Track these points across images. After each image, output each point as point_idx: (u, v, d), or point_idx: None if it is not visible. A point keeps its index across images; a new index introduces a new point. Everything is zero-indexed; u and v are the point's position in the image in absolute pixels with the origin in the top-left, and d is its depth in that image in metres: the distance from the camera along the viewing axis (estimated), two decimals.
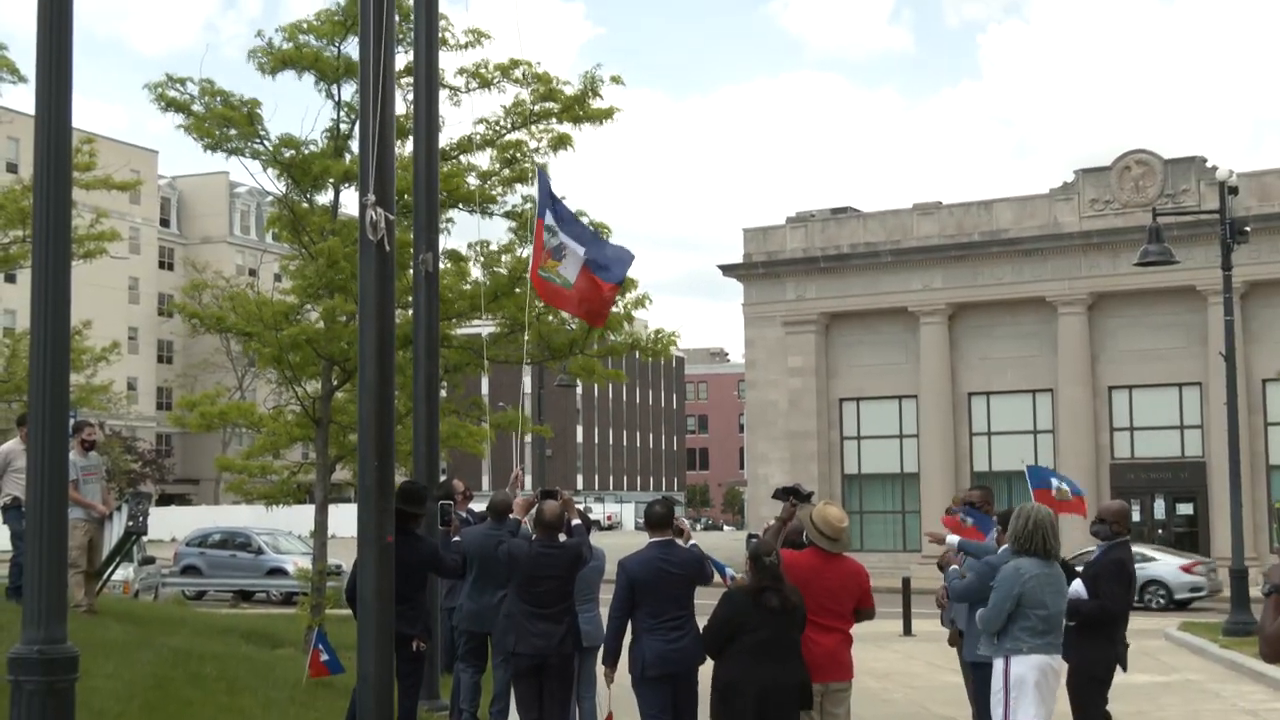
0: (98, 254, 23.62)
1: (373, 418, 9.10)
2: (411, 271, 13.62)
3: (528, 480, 58.25)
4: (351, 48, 16.77)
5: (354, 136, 16.52)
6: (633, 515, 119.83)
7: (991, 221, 50.30)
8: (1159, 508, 47.95)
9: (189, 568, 37.24)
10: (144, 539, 22.84)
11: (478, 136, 17.82)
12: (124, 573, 26.44)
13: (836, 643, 9.24)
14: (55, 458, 7.16)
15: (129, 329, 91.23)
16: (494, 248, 18.51)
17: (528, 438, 29.07)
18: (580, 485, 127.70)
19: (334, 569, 25.88)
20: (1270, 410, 46.19)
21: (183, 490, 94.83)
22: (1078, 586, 10.26)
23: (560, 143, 17.72)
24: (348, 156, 16.98)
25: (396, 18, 11.35)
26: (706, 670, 9.37)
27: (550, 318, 17.81)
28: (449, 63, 20.68)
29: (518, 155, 17.82)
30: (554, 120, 17.79)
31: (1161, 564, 36.10)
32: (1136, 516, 45.47)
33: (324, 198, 17.97)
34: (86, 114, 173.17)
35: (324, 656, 12.18)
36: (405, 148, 15.55)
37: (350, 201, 17.38)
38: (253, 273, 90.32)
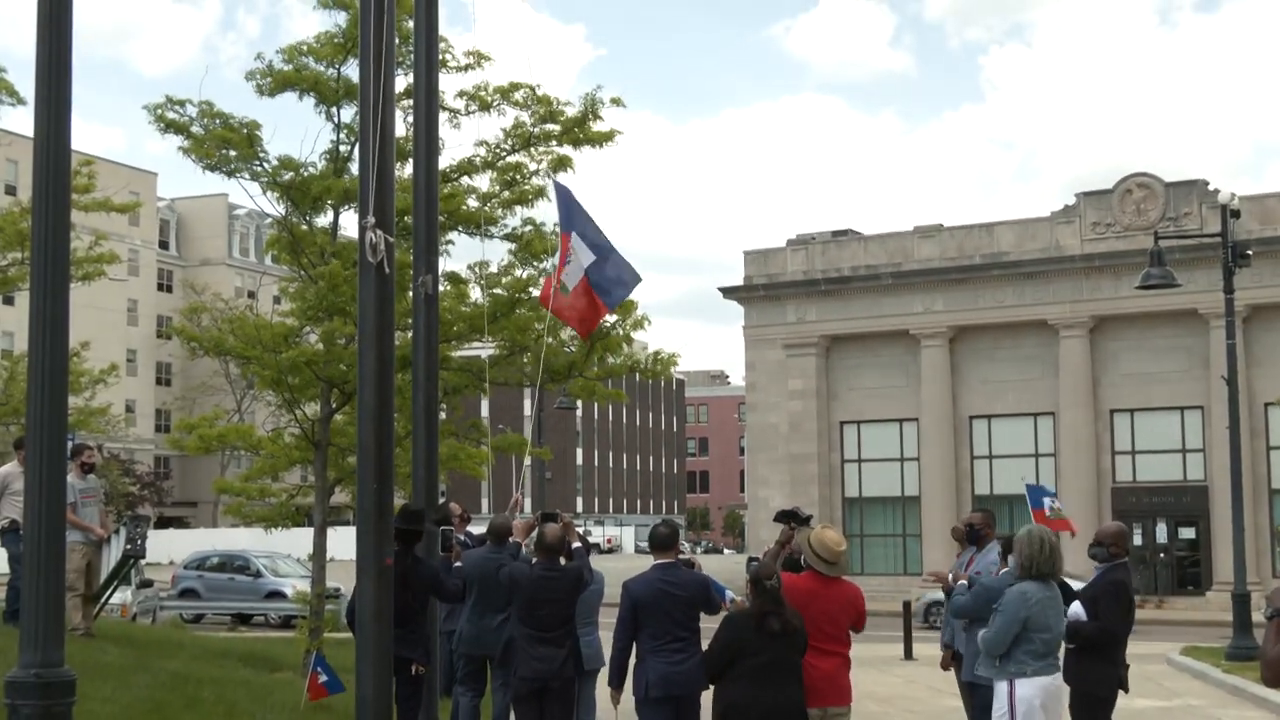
0: (96, 276, 23.62)
1: (372, 440, 9.06)
2: (411, 293, 13.58)
3: (527, 503, 58.19)
4: (351, 70, 16.78)
5: (354, 158, 16.54)
6: (633, 538, 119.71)
7: (993, 244, 50.35)
8: (1161, 532, 47.85)
9: (187, 591, 37.09)
10: (142, 562, 22.74)
11: (478, 159, 17.82)
12: (122, 596, 26.35)
13: (835, 666, 9.21)
14: (53, 480, 7.12)
15: (127, 351, 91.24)
16: (494, 269, 18.52)
17: (527, 460, 29.01)
18: (580, 508, 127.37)
19: (333, 592, 25.80)
20: (1272, 434, 46.13)
21: (181, 513, 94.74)
22: (1076, 608, 10.25)
23: (560, 165, 17.69)
24: (347, 178, 16.97)
25: (396, 40, 11.34)
26: (708, 694, 9.32)
27: (550, 339, 17.79)
28: (449, 85, 20.55)
29: (518, 177, 17.82)
30: (554, 142, 17.78)
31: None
32: (1138, 541, 45.44)
33: (323, 220, 17.99)
34: (85, 136, 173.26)
35: (323, 677, 12.15)
36: (405, 170, 15.54)
37: (350, 223, 17.40)
38: (252, 295, 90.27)
